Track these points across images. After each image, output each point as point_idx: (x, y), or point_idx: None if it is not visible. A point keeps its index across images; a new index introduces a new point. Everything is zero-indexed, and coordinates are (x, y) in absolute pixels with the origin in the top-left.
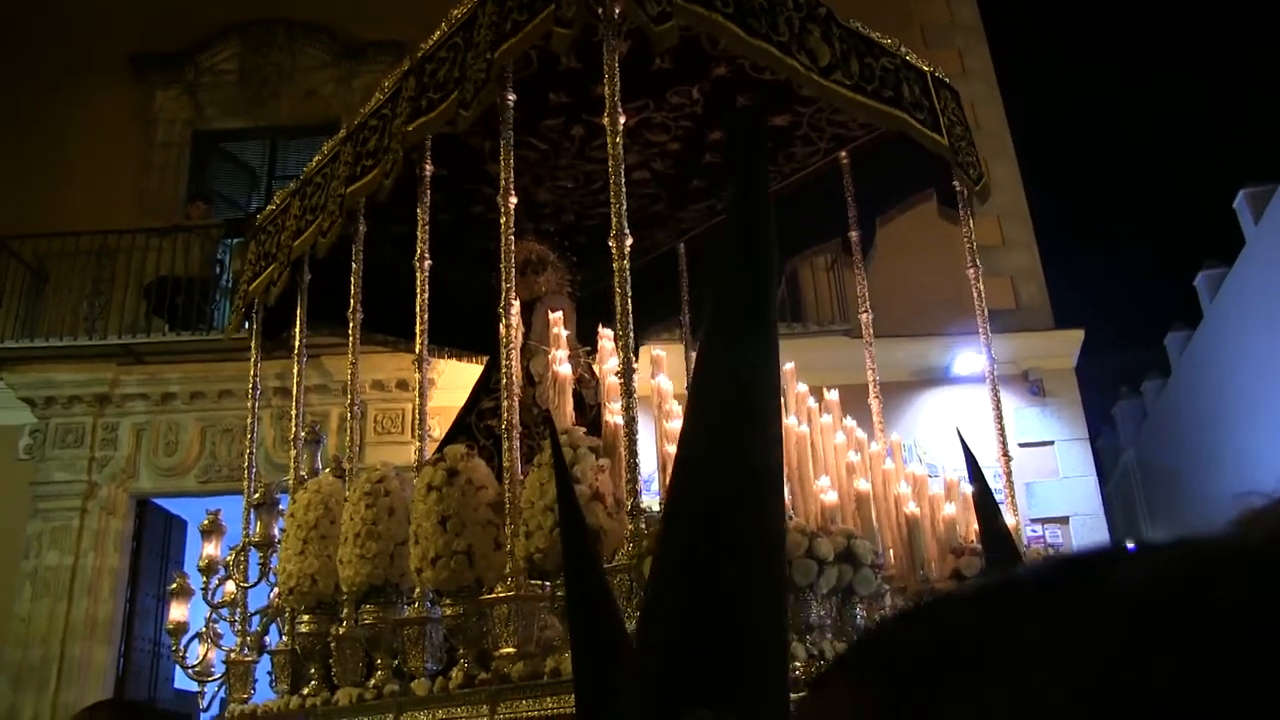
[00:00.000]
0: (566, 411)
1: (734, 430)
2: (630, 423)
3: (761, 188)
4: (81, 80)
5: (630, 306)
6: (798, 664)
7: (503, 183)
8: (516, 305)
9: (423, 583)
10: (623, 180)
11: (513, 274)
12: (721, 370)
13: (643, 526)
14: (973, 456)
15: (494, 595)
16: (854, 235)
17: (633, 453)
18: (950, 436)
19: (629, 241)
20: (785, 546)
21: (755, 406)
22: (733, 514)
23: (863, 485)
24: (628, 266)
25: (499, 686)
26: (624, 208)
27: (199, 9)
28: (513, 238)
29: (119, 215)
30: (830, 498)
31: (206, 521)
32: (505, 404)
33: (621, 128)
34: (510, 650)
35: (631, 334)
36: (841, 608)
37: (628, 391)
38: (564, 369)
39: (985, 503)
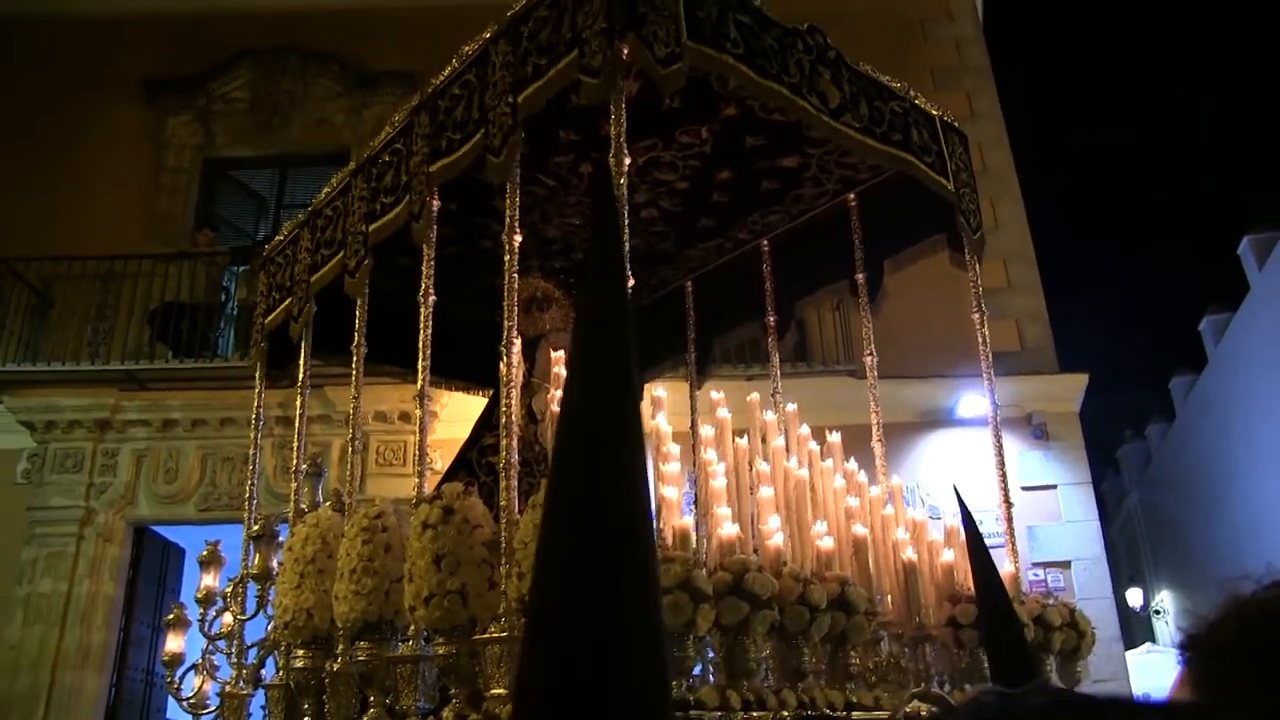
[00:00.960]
0: None
1: (590, 493)
2: None
3: (617, 255)
4: (94, 102)
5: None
6: (785, 713)
7: (508, 220)
8: (518, 343)
9: (416, 621)
10: (625, 221)
11: (515, 311)
12: (580, 431)
13: None
14: (968, 513)
15: (487, 635)
16: (860, 277)
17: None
18: (954, 478)
19: (630, 283)
20: (656, 597)
21: (612, 466)
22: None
23: (860, 530)
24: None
25: None
26: (625, 250)
27: (213, 36)
28: (516, 275)
29: (126, 240)
30: (827, 543)
31: (205, 552)
32: (504, 443)
33: (626, 169)
34: (501, 691)
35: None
36: (834, 654)
37: None
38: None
39: (979, 559)
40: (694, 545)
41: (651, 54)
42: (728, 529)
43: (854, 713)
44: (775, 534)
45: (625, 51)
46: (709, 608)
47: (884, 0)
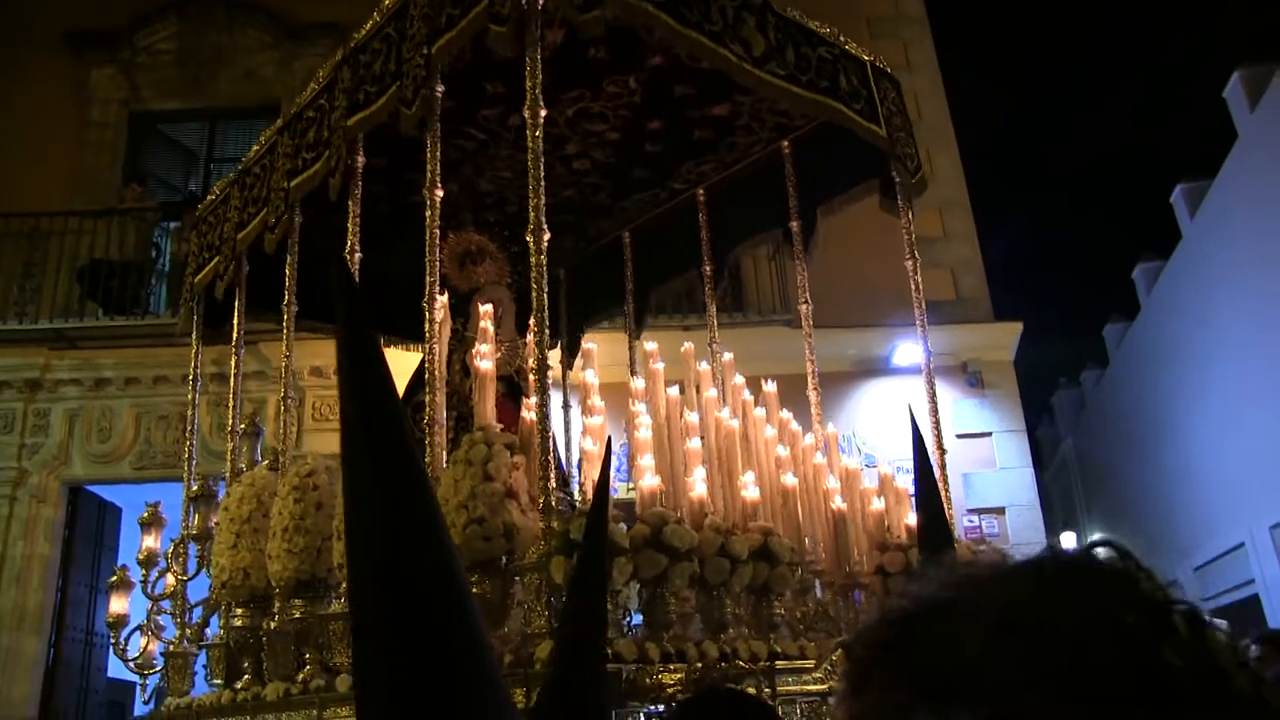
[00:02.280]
0: (487, 408)
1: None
2: (544, 419)
3: (363, 329)
4: (14, 56)
5: (546, 302)
6: (698, 665)
7: (429, 175)
8: (442, 299)
9: (344, 578)
10: (541, 174)
11: (437, 268)
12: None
13: (554, 524)
14: (920, 435)
15: None
16: (794, 225)
17: (545, 449)
18: (889, 427)
19: (546, 236)
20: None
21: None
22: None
23: (789, 480)
24: (544, 261)
25: None
26: (542, 202)
27: None
28: (438, 230)
29: (52, 196)
30: (752, 494)
31: (146, 514)
32: (428, 399)
33: (542, 120)
34: None
35: (548, 329)
36: (758, 605)
37: (542, 387)
38: (484, 364)
39: (925, 482)
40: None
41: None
42: (649, 480)
43: (778, 662)
44: (698, 485)
45: (540, 1)
46: (625, 561)
47: None
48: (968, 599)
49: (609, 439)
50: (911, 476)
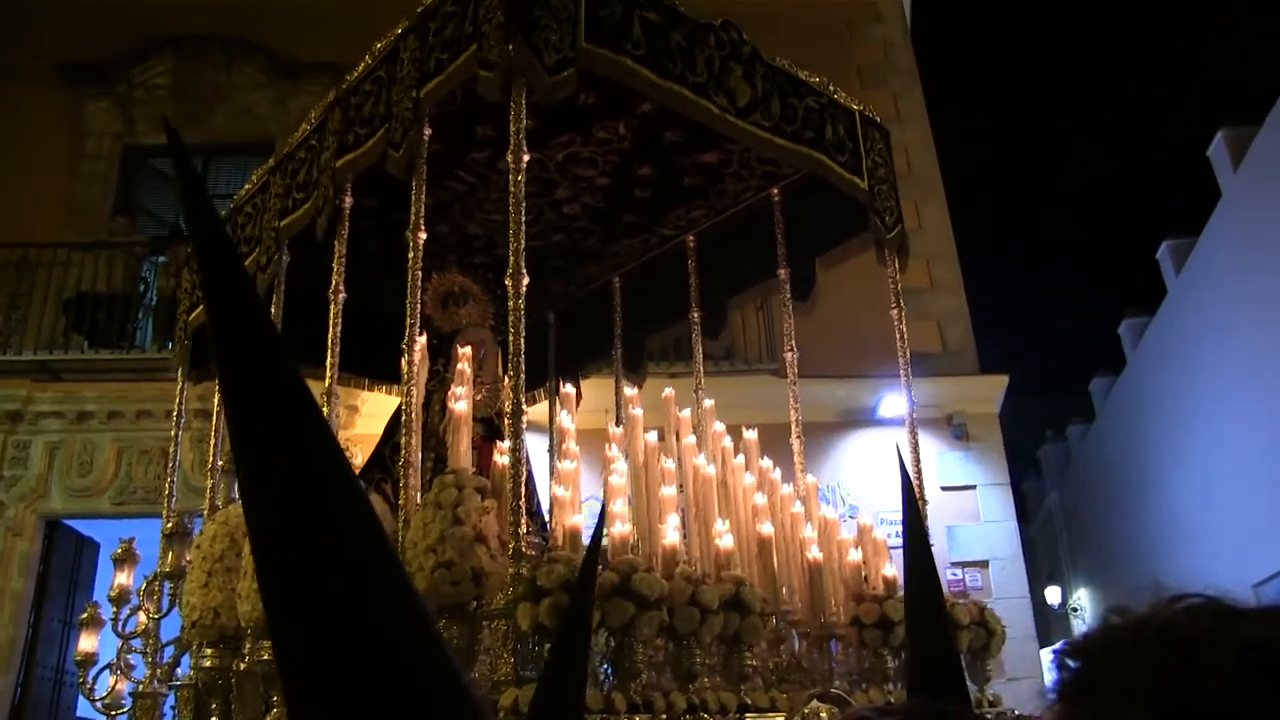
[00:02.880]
0: (461, 450)
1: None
2: (516, 463)
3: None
4: (8, 87)
5: (523, 346)
6: (663, 715)
7: (413, 218)
8: (420, 340)
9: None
10: (523, 219)
11: (418, 310)
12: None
13: (522, 569)
14: (908, 478)
15: None
16: (782, 273)
17: (517, 494)
18: (874, 478)
19: (526, 281)
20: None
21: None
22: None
23: (766, 529)
24: (522, 306)
25: None
26: (522, 246)
27: (134, 22)
28: (420, 273)
29: (41, 227)
30: (726, 542)
31: (119, 550)
32: (404, 440)
33: (524, 165)
34: None
35: (535, 373)
36: (729, 655)
37: (516, 431)
38: (460, 406)
39: (914, 527)
40: (582, 547)
41: (540, 62)
42: (620, 528)
43: (747, 714)
44: (669, 532)
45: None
46: (593, 609)
47: (810, 1)
48: (1201, 629)
49: (603, 506)
50: (895, 529)
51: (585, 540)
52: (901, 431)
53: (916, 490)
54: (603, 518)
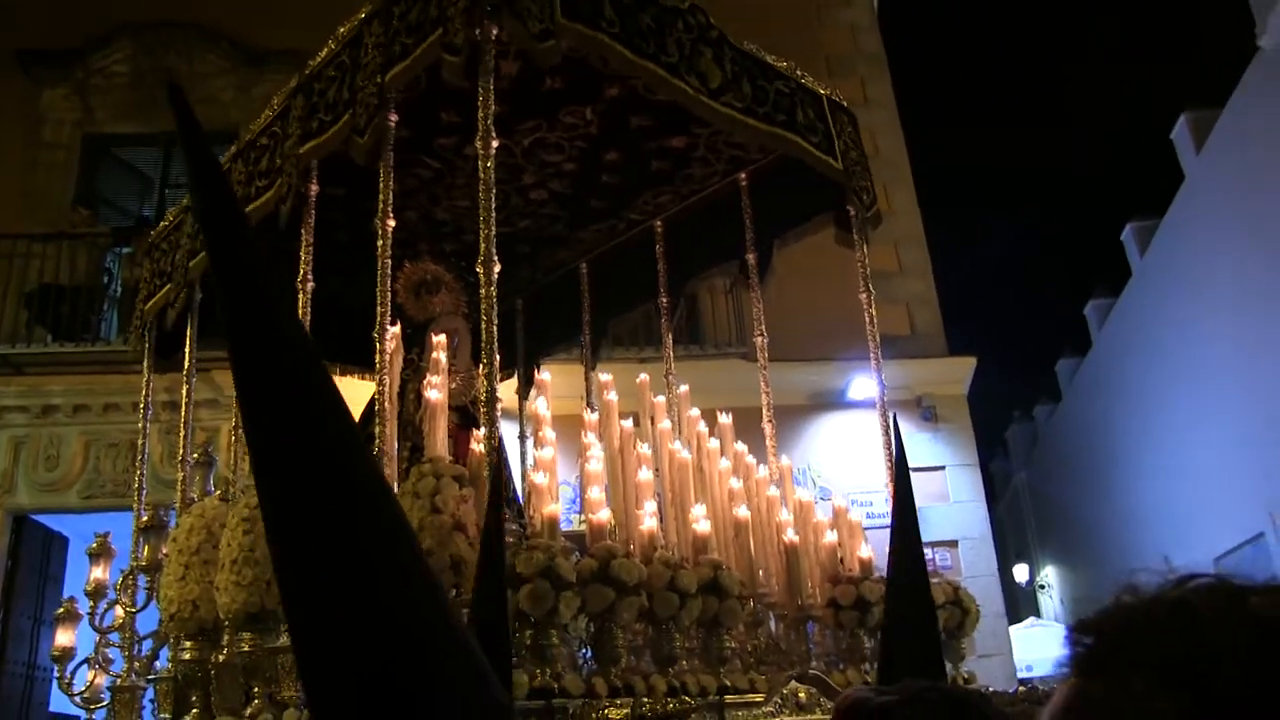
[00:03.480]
0: (438, 439)
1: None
2: (492, 450)
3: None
4: None
5: (496, 334)
6: (645, 699)
7: (380, 205)
8: (394, 330)
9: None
10: (493, 206)
11: (389, 299)
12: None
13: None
14: (903, 450)
15: None
16: (750, 258)
17: (494, 481)
18: (844, 460)
19: (498, 268)
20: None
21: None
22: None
23: (742, 513)
24: (494, 293)
25: None
26: (493, 233)
27: (93, 8)
28: (390, 262)
29: (2, 218)
30: (703, 527)
31: (95, 545)
32: (379, 430)
33: (493, 151)
34: None
35: (504, 359)
36: (708, 638)
37: (490, 419)
38: (435, 395)
39: (903, 504)
40: (559, 533)
41: (526, 29)
42: (599, 514)
43: (727, 696)
44: (647, 518)
45: (495, 31)
46: (572, 595)
47: None
48: (1212, 605)
49: (498, 462)
50: (866, 510)
51: (564, 527)
52: (871, 414)
53: (889, 474)
54: (497, 473)
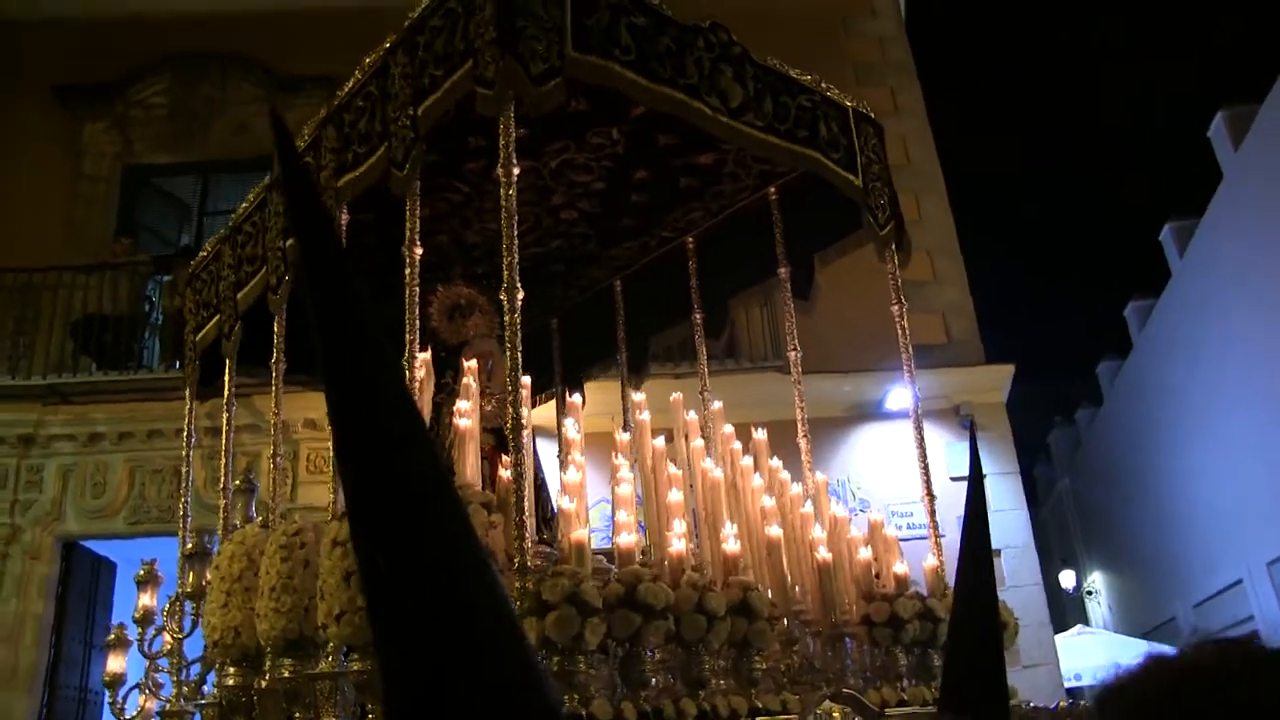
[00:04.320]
0: (467, 466)
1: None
2: (519, 478)
3: (308, 194)
4: (4, 109)
5: (520, 361)
6: None
7: (408, 233)
8: (424, 356)
9: (329, 638)
10: (515, 233)
11: (417, 326)
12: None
13: (529, 585)
14: (977, 455)
15: None
16: (783, 271)
17: (520, 509)
18: (883, 472)
19: (520, 295)
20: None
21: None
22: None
23: (774, 532)
24: (519, 320)
25: None
26: (515, 260)
27: (128, 41)
28: (417, 289)
29: (45, 251)
30: (733, 546)
31: (142, 572)
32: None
33: (515, 178)
34: None
35: (540, 380)
36: (739, 660)
37: (517, 447)
38: (464, 422)
39: (975, 523)
40: (589, 557)
41: (526, 72)
42: (625, 538)
43: (758, 718)
44: (676, 540)
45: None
46: (598, 621)
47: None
48: (1244, 675)
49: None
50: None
51: (593, 551)
52: (910, 424)
53: (925, 486)
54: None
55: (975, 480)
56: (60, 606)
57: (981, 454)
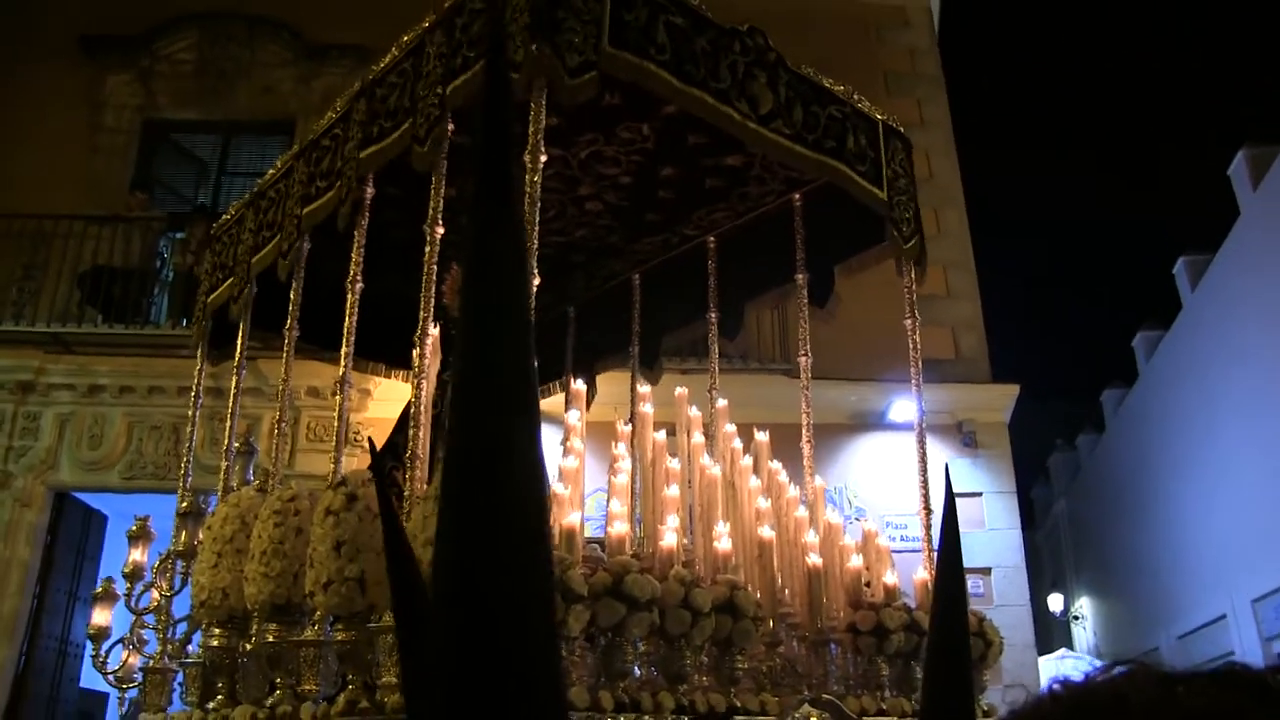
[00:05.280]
0: None
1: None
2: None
3: (504, 148)
4: (29, 57)
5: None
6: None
7: (431, 212)
8: (435, 333)
9: (316, 605)
10: (536, 221)
11: (431, 304)
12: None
13: None
14: (951, 495)
15: (380, 624)
16: (800, 278)
17: None
18: (882, 481)
19: (536, 281)
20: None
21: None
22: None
23: (766, 533)
24: (531, 306)
25: (377, 717)
26: (535, 246)
27: None
28: (435, 266)
29: (59, 199)
30: (724, 545)
31: (135, 527)
32: (411, 433)
33: (541, 166)
34: (391, 680)
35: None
36: (721, 658)
37: None
38: None
39: (945, 560)
40: (579, 544)
41: (562, 63)
42: (617, 528)
43: (736, 716)
44: (668, 533)
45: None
46: (582, 608)
47: (840, 4)
48: (1144, 694)
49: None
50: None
51: (584, 538)
52: (911, 436)
53: (923, 499)
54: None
55: (949, 510)
56: (47, 555)
57: (980, 472)
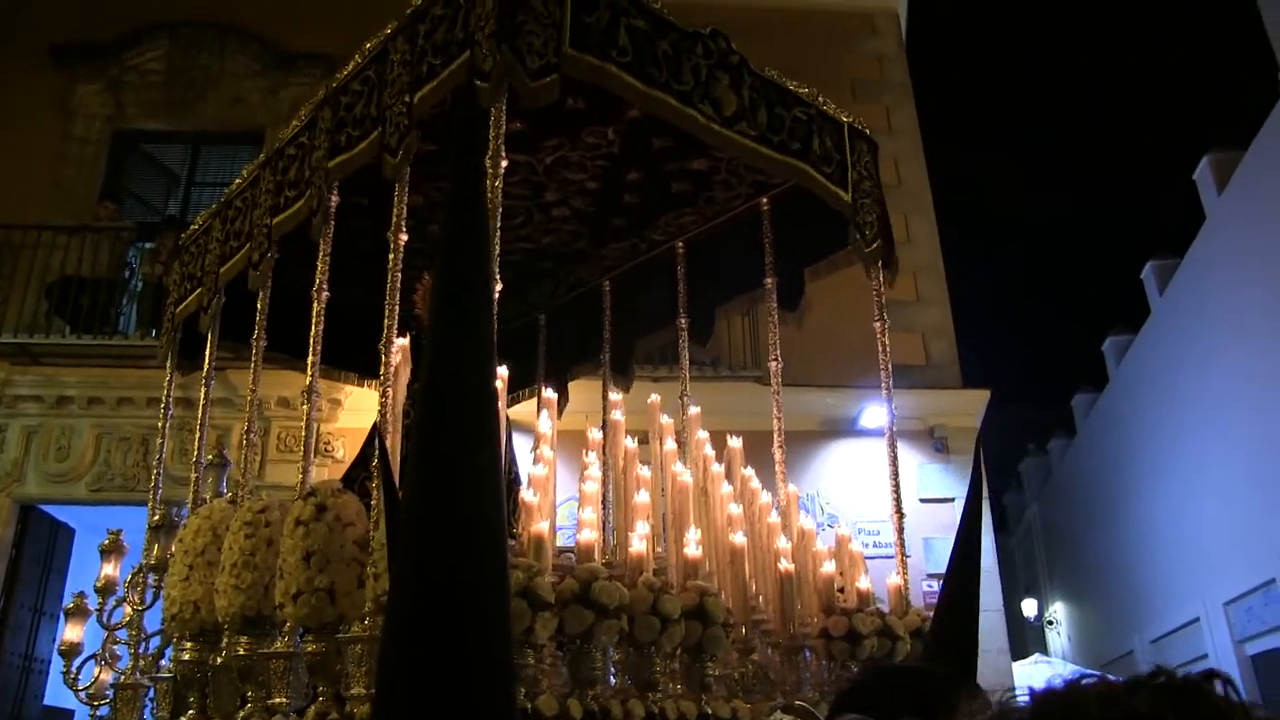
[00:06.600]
0: None
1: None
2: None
3: (475, 175)
4: None
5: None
6: None
7: (394, 220)
8: (402, 343)
9: (285, 617)
10: (497, 226)
11: (395, 312)
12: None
13: None
14: (979, 480)
15: (349, 635)
16: (769, 282)
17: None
18: (854, 488)
19: (499, 287)
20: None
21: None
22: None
23: (738, 539)
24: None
25: None
26: (496, 252)
27: (128, 4)
28: (399, 275)
29: (27, 209)
30: (694, 551)
31: (108, 541)
32: (378, 441)
33: (502, 171)
34: (360, 691)
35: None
36: (692, 664)
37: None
38: None
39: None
40: (549, 551)
41: (523, 66)
42: (586, 535)
43: None
44: (637, 540)
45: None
46: (550, 615)
47: (808, 12)
48: (1088, 703)
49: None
50: (873, 539)
51: (557, 547)
52: (883, 441)
53: (895, 504)
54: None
55: (974, 494)
56: (12, 570)
57: (952, 478)
